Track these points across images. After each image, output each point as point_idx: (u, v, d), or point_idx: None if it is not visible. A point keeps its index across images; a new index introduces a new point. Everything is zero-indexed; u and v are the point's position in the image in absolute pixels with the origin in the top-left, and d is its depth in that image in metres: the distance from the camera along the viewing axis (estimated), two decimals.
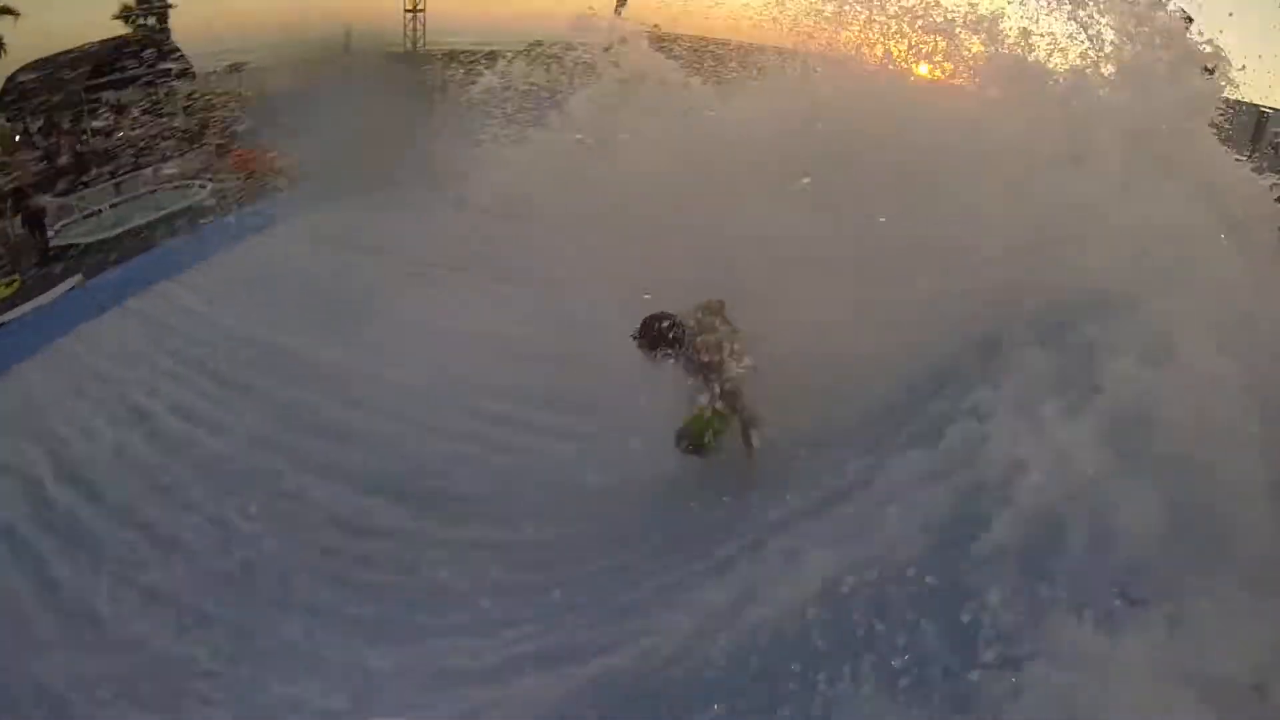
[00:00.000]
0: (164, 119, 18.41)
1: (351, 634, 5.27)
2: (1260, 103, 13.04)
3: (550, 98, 13.84)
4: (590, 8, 14.23)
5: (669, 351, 5.39)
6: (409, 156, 16.19)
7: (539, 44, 20.53)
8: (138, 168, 15.40)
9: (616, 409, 6.52)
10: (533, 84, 15.93)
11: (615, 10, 22.04)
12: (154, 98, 19.35)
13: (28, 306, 10.41)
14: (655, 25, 21.51)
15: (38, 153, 16.61)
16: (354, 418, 7.66)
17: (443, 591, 5.50)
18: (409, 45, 25.69)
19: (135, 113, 18.39)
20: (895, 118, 7.09)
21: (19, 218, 12.85)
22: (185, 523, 6.60)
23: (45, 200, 13.07)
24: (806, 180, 6.74)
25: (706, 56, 16.48)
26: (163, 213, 13.23)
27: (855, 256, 5.95)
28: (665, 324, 5.38)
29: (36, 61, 22.49)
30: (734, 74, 12.32)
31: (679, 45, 18.93)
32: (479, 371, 8.10)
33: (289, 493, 6.71)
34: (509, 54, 20.07)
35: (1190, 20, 5.76)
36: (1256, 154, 11.46)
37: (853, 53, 8.86)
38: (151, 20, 29.51)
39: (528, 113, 15.46)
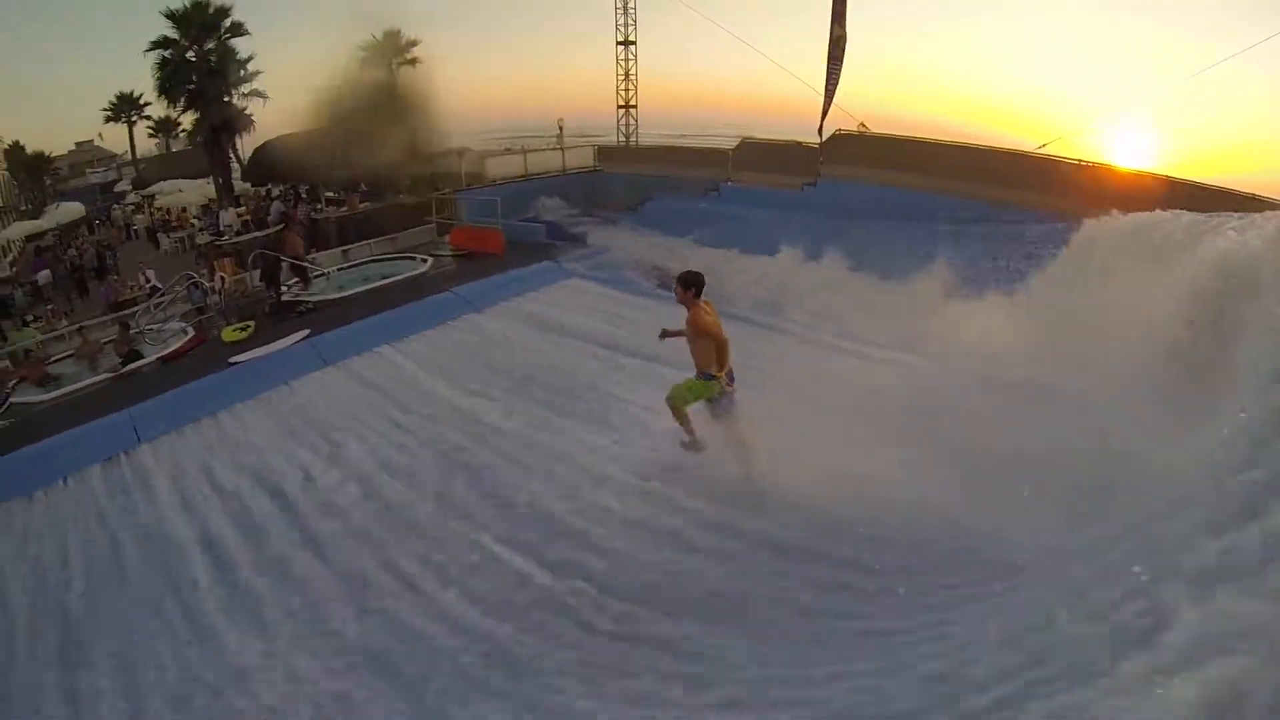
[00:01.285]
0: (389, 195, 19.46)
1: None
2: None
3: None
4: None
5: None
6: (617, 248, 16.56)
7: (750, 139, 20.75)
8: (364, 238, 16.15)
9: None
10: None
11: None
12: (383, 177, 20.66)
13: (259, 351, 11.03)
14: (861, 124, 21.32)
15: (277, 216, 17.86)
16: (540, 492, 7.78)
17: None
18: (621, 138, 26.61)
19: (364, 187, 19.61)
20: None
21: (260, 271, 13.58)
22: (365, 566, 6.98)
23: (283, 258, 13.73)
24: None
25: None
26: (385, 281, 13.83)
27: None
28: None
29: (282, 137, 24.71)
30: None
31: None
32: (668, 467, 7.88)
33: (466, 552, 7.01)
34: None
35: None
36: None
37: None
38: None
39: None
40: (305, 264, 14.15)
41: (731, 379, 7.09)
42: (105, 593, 7.02)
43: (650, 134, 26.80)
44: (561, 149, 23.28)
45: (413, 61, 32.54)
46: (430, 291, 12.68)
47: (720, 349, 6.88)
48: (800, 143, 21.43)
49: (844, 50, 21.25)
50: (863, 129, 20.73)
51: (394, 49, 32.15)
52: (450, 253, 15.74)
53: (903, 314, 11.98)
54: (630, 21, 27.33)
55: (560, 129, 26.44)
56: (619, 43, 27.45)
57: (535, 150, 22.82)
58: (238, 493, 8.24)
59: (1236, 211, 9.09)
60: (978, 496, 6.40)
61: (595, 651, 5.64)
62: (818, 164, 19.43)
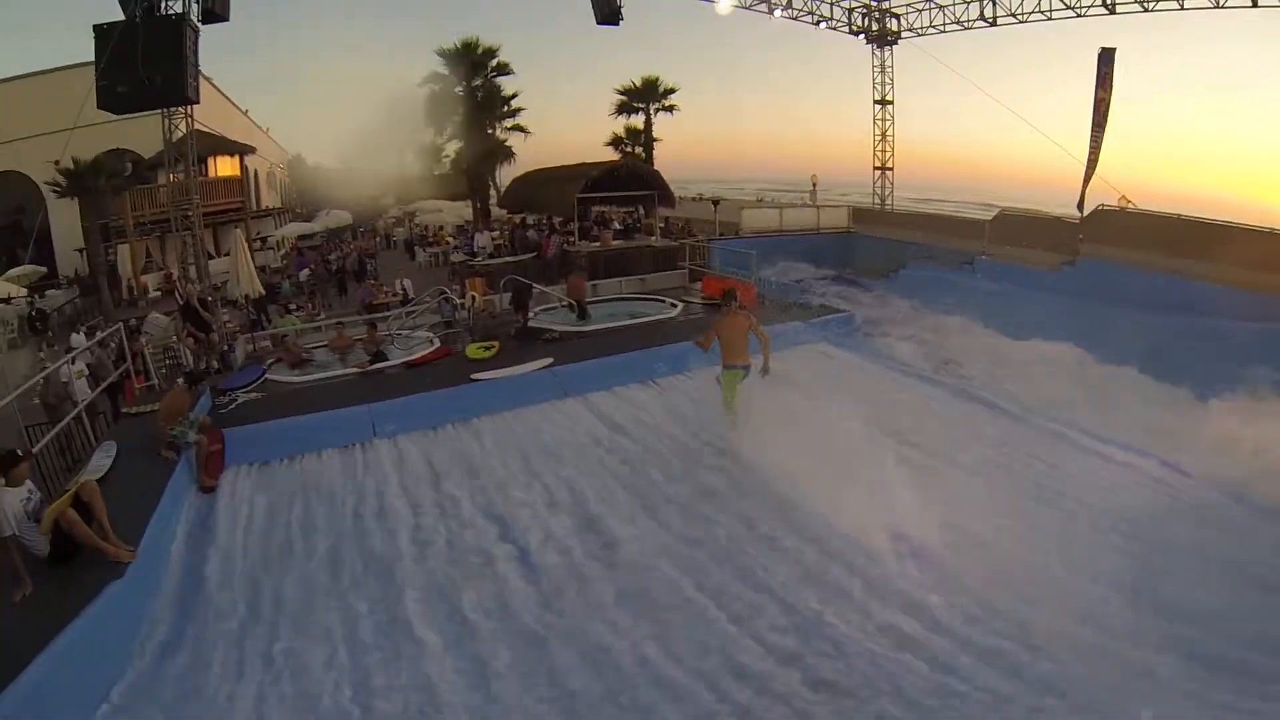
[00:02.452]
0: (640, 235, 19.30)
1: None
2: None
3: None
4: None
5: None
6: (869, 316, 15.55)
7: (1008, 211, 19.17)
8: (614, 275, 15.89)
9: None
10: None
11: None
12: (635, 216, 20.64)
13: (502, 371, 10.98)
14: (1123, 198, 19.23)
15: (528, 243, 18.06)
16: (779, 565, 6.89)
17: None
18: (876, 201, 25.44)
19: (617, 225, 19.56)
20: None
21: (510, 296, 13.56)
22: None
23: (535, 286, 13.66)
24: None
25: None
26: (633, 321, 13.58)
27: None
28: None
29: (538, 170, 25.45)
30: None
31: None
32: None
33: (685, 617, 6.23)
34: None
35: None
36: None
37: None
38: (639, 150, 32.93)
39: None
40: (584, 305, 14.07)
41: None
42: (326, 562, 7.29)
43: (904, 197, 25.57)
44: (815, 206, 22.53)
45: (670, 108, 33.20)
46: (678, 338, 12.05)
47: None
48: (1059, 218, 19.86)
49: (1106, 115, 19.63)
50: (1125, 203, 18.84)
51: (652, 95, 32.90)
52: (701, 300, 15.22)
53: (1164, 416, 10.67)
54: (888, 81, 26.60)
55: (814, 185, 25.67)
56: (877, 102, 26.66)
57: (788, 205, 22.23)
58: (458, 501, 8.24)
59: None
60: None
61: None
62: (1077, 242, 17.60)
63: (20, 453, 6.20)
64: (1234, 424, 9.66)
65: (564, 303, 14.38)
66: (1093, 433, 9.91)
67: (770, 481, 8.38)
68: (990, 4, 23.09)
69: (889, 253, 19.27)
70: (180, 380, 9.18)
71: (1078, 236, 17.84)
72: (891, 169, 26.30)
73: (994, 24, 23.32)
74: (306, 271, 21.47)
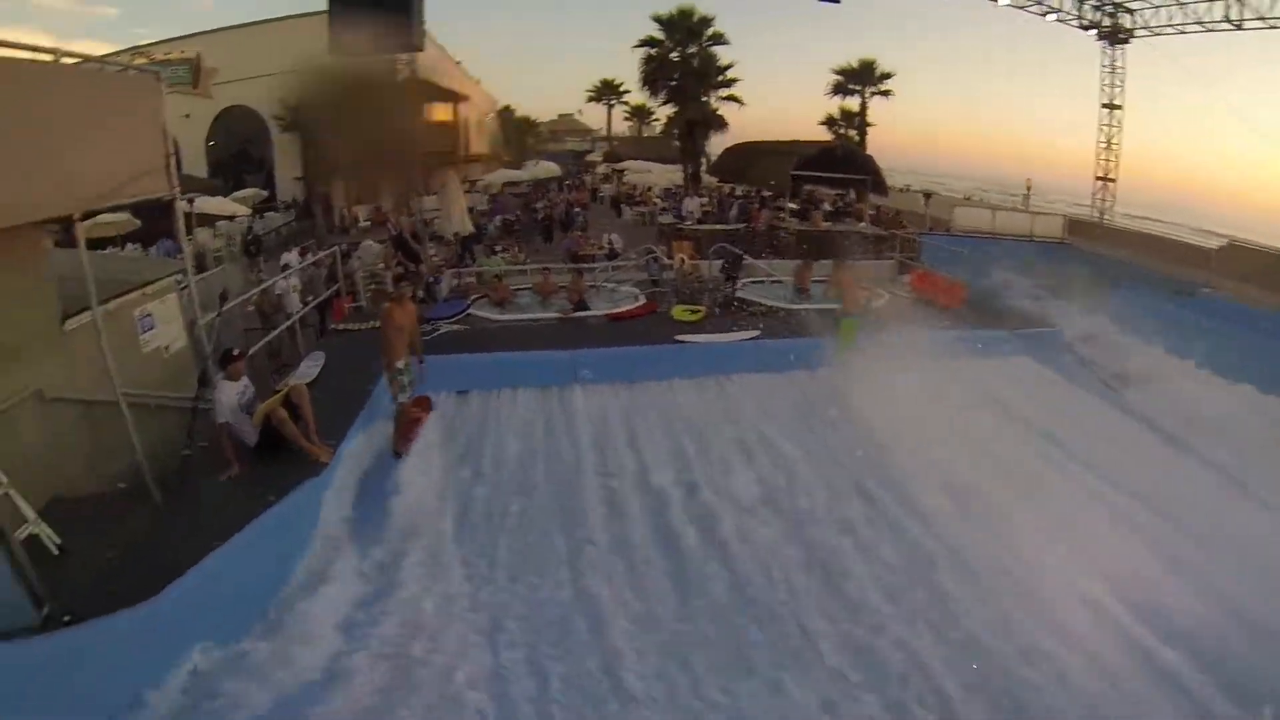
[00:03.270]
0: (849, 221, 19.22)
1: None
2: None
3: None
4: None
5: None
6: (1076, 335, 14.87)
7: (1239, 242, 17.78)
8: (820, 257, 15.95)
9: None
10: None
11: None
12: (845, 199, 20.56)
13: (709, 337, 11.13)
14: None
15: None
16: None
17: None
18: (1095, 214, 24.14)
19: (827, 207, 19.54)
20: None
21: (721, 264, 13.89)
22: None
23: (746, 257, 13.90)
24: None
25: None
26: (836, 305, 13.00)
27: None
28: None
29: (750, 143, 25.60)
30: None
31: None
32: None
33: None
34: None
35: None
36: None
37: None
38: (852, 132, 32.56)
39: None
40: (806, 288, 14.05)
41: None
42: (512, 491, 7.95)
43: (1123, 212, 23.96)
44: (1029, 212, 21.64)
45: (885, 93, 32.56)
46: (882, 328, 11.68)
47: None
48: None
49: None
50: None
51: (869, 77, 32.35)
52: (907, 294, 14.81)
53: None
54: (1118, 83, 24.74)
55: (1028, 189, 24.58)
56: (1104, 106, 24.97)
57: (1000, 208, 21.45)
58: (650, 456, 8.54)
59: None
60: None
61: None
62: None
63: (237, 352, 7.09)
64: None
65: (773, 278, 14.57)
66: None
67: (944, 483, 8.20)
68: (1236, 4, 21.06)
69: (1103, 271, 18.17)
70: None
71: None
72: (1114, 180, 24.79)
73: (1239, 28, 21.24)
74: (499, 219, 22.57)
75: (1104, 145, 24.82)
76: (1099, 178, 24.92)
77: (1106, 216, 24.20)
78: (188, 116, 27.85)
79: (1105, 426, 10.77)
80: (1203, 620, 6.17)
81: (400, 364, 8.09)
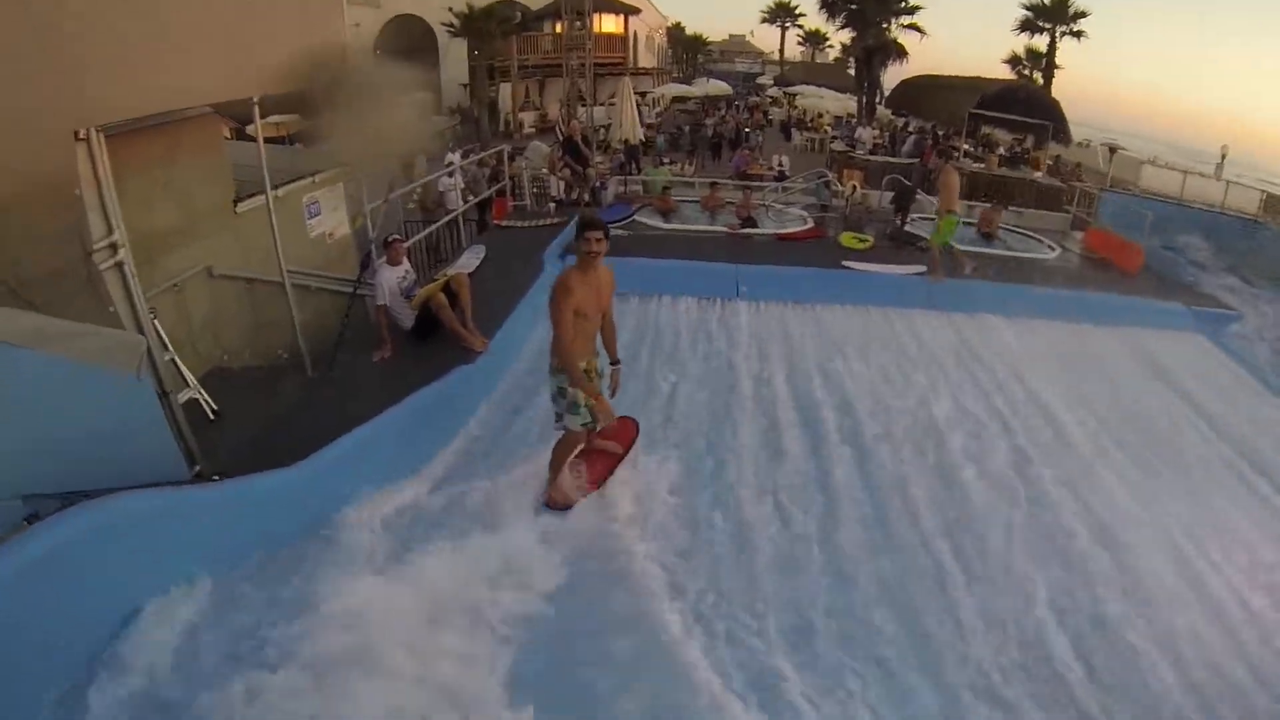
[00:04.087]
0: (1026, 168, 18.60)
1: None
2: None
3: None
4: None
5: None
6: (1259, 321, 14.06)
7: None
8: (990, 201, 15.59)
9: None
10: None
11: None
12: (1023, 145, 19.80)
13: (875, 266, 11.15)
14: None
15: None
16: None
17: None
18: None
19: (1002, 151, 18.93)
20: None
21: (892, 196, 13.86)
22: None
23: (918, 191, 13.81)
24: None
25: None
26: (1008, 252, 13.18)
27: None
28: None
29: (928, 76, 24.79)
30: None
31: None
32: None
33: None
34: None
35: None
36: None
37: None
38: (1038, 75, 30.83)
39: None
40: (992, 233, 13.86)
41: None
42: (667, 397, 7.91)
43: None
44: (1223, 181, 20.14)
45: (1077, 34, 30.31)
46: (1052, 283, 11.74)
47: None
48: None
49: None
50: None
51: (1061, 15, 30.07)
52: (1079, 251, 14.36)
53: None
54: None
55: (1223, 157, 22.84)
56: None
57: (1192, 172, 20.02)
58: (808, 377, 8.51)
59: None
60: None
61: None
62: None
63: (394, 237, 7.34)
64: None
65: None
66: None
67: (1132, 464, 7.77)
68: None
69: None
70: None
71: None
72: None
73: None
74: (667, 133, 22.74)
75: None
76: None
77: None
78: (357, 25, 28.50)
79: (1271, 418, 10.05)
80: None
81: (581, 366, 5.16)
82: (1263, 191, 20.14)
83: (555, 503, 5.52)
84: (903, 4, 29.13)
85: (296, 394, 6.46)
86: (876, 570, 5.57)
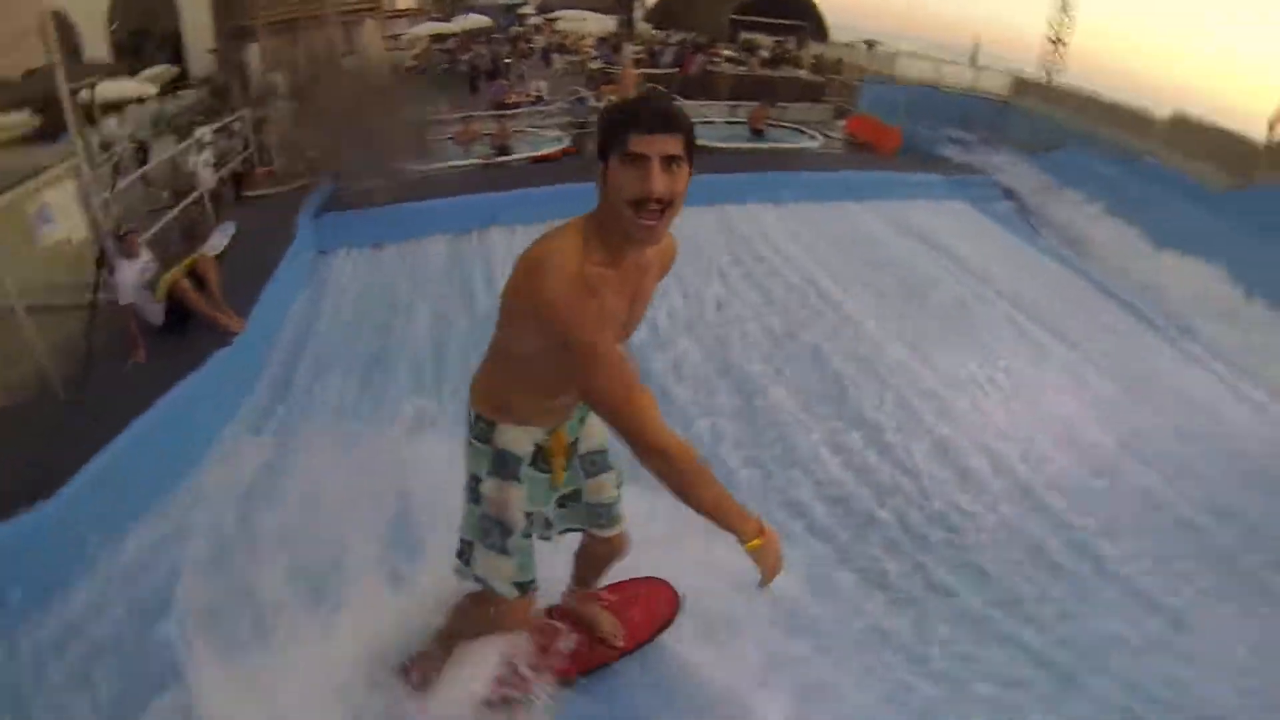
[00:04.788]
0: (788, 66, 18.56)
1: None
2: None
3: None
4: None
5: None
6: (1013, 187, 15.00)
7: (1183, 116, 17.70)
8: (757, 100, 15.46)
9: None
10: None
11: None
12: (785, 47, 19.72)
13: None
14: None
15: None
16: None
17: None
18: (1045, 75, 23.56)
19: (764, 54, 18.77)
20: None
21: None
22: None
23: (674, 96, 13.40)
24: None
25: None
26: (776, 145, 13.33)
27: None
28: None
29: None
30: None
31: None
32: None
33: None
34: None
35: None
36: None
37: None
38: None
39: None
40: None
41: None
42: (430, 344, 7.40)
43: (1075, 77, 23.39)
44: (975, 67, 21.09)
45: None
46: (814, 167, 11.99)
47: None
48: (1242, 137, 18.14)
49: None
50: None
51: None
52: (842, 137, 14.74)
53: None
54: None
55: (976, 46, 23.90)
56: None
57: (947, 61, 20.94)
58: None
59: None
60: None
61: None
62: (1257, 166, 16.16)
63: (126, 230, 6.55)
64: None
65: (725, 120, 14.32)
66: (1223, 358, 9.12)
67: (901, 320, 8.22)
68: None
69: (1045, 130, 18.10)
70: None
71: (1259, 160, 16.39)
72: (1065, 43, 24.07)
73: None
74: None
75: (1059, 7, 24.00)
76: (1050, 40, 24.17)
77: (1055, 78, 23.62)
78: None
79: (1037, 270, 11.00)
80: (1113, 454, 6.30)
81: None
82: (1011, 74, 21.24)
83: (412, 680, 2.76)
84: None
85: (49, 424, 5.35)
86: None
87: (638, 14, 28.33)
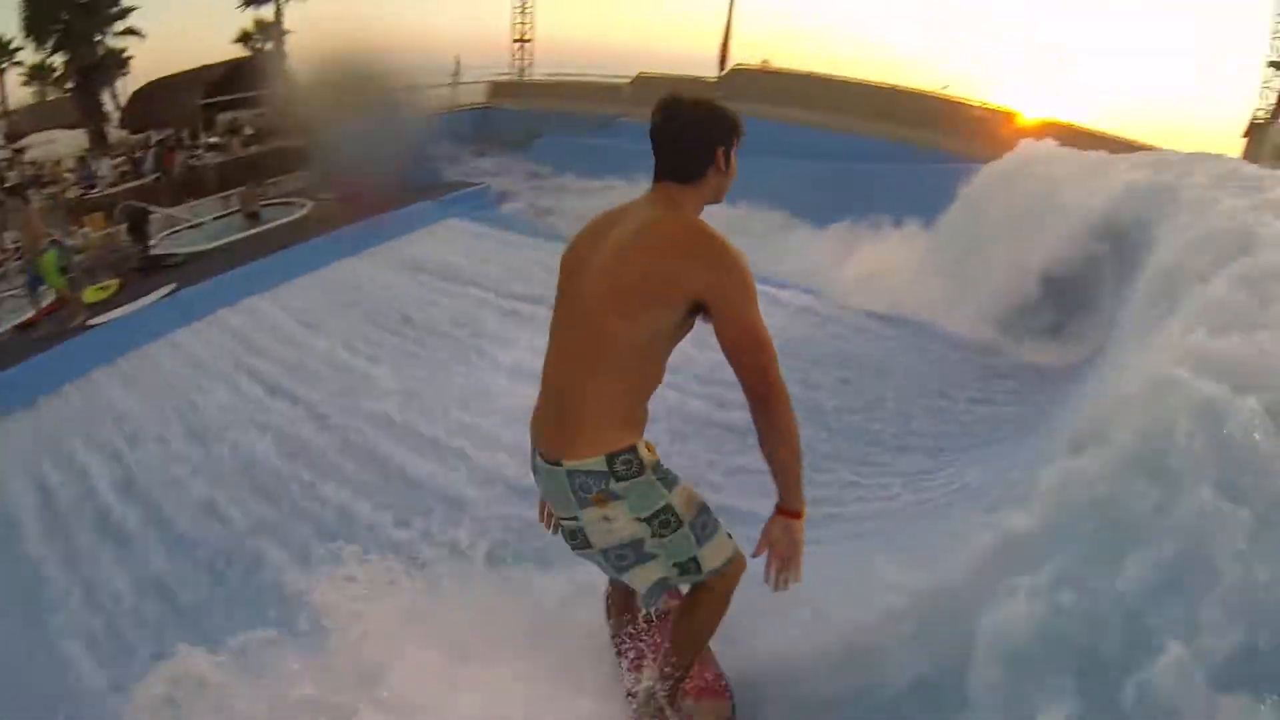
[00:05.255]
0: (273, 139, 18.75)
1: None
2: None
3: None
4: None
5: None
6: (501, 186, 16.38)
7: (646, 74, 20.50)
8: (243, 184, 15.57)
9: None
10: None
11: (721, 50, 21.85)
12: (265, 118, 19.83)
13: (120, 311, 10.41)
14: (765, 60, 21.31)
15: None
16: (423, 455, 6.80)
17: None
18: (517, 75, 25.75)
19: (249, 131, 18.82)
20: None
21: (128, 226, 13.11)
22: (227, 544, 5.94)
23: (152, 209, 13.29)
24: None
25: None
26: (263, 228, 13.27)
27: None
28: None
29: (157, 80, 23.52)
30: None
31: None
32: None
33: (338, 522, 5.93)
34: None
35: None
36: None
37: None
38: (269, 45, 30.76)
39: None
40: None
41: None
42: None
43: (547, 69, 25.91)
44: (454, 84, 22.58)
45: None
46: (306, 236, 12.26)
47: None
48: (699, 78, 21.41)
49: None
50: (765, 65, 20.88)
51: None
52: (332, 195, 14.96)
53: (803, 250, 12.41)
54: None
55: (457, 65, 25.51)
56: None
57: (429, 86, 22.20)
58: (86, 471, 7.26)
59: None
60: None
61: None
62: (714, 99, 19.43)
63: None
64: (857, 252, 11.47)
65: (191, 223, 14.05)
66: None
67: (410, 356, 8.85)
68: None
69: (526, 123, 19.92)
70: None
71: (715, 95, 19.54)
72: (530, 40, 26.36)
73: None
74: None
75: (519, 9, 26.19)
76: (516, 40, 26.38)
77: (527, 75, 25.96)
78: None
79: (535, 253, 11.84)
80: None
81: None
82: (487, 82, 23.14)
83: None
84: (114, 8, 26.90)
85: None
86: None
87: (110, 123, 26.58)
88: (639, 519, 2.29)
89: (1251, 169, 7.04)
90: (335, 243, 12.08)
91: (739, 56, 21.46)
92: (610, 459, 2.23)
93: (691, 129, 2.62)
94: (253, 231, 13.03)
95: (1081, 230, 7.95)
